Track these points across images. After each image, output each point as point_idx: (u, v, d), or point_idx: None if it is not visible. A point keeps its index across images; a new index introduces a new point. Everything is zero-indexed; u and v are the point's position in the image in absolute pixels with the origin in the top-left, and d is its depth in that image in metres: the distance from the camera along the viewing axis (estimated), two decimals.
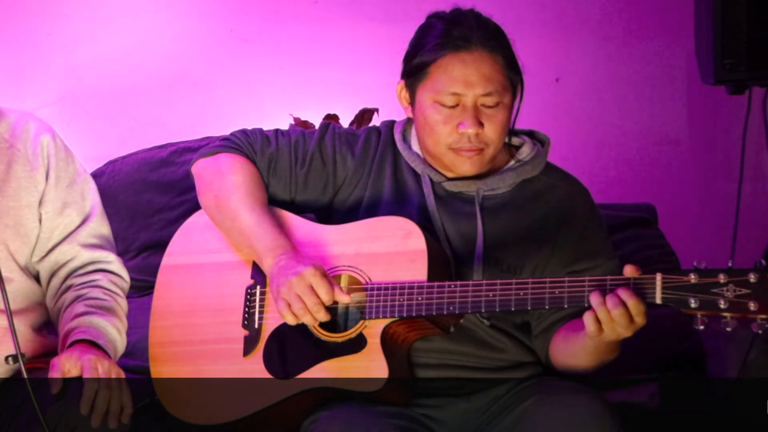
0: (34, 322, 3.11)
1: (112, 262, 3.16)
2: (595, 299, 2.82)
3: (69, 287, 3.09)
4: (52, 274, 3.12)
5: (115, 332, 3.03)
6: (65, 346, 2.96)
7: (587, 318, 2.82)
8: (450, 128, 3.05)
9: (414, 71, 3.09)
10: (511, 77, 3.08)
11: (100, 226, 3.17)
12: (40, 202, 3.11)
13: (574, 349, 2.98)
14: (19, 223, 3.07)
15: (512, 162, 3.16)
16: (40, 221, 3.10)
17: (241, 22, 4.73)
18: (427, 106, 3.07)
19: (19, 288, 3.07)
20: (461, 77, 3.03)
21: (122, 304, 3.12)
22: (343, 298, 2.98)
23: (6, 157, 3.09)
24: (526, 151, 3.17)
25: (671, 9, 4.75)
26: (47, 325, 3.14)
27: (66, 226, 3.12)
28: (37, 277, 3.14)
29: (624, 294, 2.79)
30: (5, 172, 3.08)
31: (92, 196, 3.18)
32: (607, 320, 2.81)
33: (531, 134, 3.22)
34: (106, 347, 2.98)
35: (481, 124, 3.04)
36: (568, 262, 3.06)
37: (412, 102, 3.12)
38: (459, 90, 3.03)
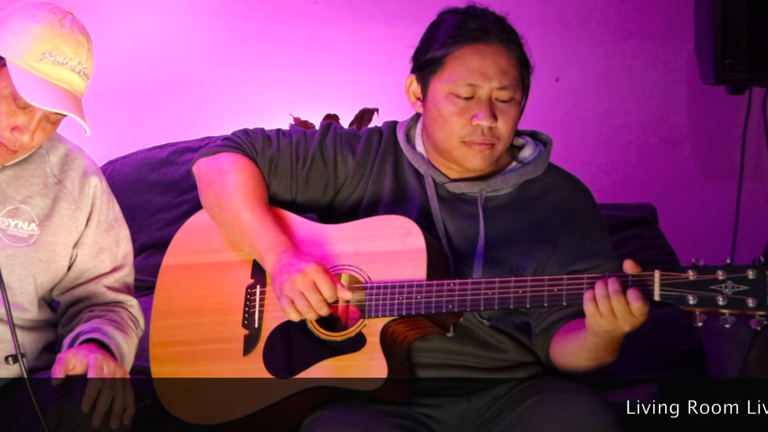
0: (47, 340, 3.10)
1: (134, 306, 3.17)
2: (598, 289, 2.81)
3: (88, 312, 3.09)
4: (72, 305, 3.13)
5: (125, 346, 3.03)
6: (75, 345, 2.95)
7: (586, 299, 2.82)
8: (464, 120, 3.05)
9: (428, 63, 3.08)
10: (523, 75, 3.08)
11: (127, 276, 3.19)
12: (77, 243, 3.11)
13: (575, 348, 2.97)
14: (52, 259, 3.07)
15: (514, 163, 3.16)
16: (70, 261, 3.11)
17: (241, 22, 4.73)
18: (442, 98, 3.06)
19: (33, 318, 3.07)
20: (479, 68, 3.03)
21: (134, 339, 3.11)
22: (346, 295, 2.98)
23: (53, 193, 3.09)
24: (528, 152, 3.17)
25: (671, 9, 4.75)
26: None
27: (96, 269, 3.14)
28: (50, 305, 3.14)
29: (631, 294, 2.79)
30: (50, 207, 3.08)
31: (125, 245, 3.19)
32: (607, 311, 2.80)
33: (533, 135, 3.22)
34: (115, 352, 2.97)
35: (495, 117, 3.04)
36: (568, 262, 3.06)
37: (424, 95, 3.11)
38: (476, 81, 3.03)
